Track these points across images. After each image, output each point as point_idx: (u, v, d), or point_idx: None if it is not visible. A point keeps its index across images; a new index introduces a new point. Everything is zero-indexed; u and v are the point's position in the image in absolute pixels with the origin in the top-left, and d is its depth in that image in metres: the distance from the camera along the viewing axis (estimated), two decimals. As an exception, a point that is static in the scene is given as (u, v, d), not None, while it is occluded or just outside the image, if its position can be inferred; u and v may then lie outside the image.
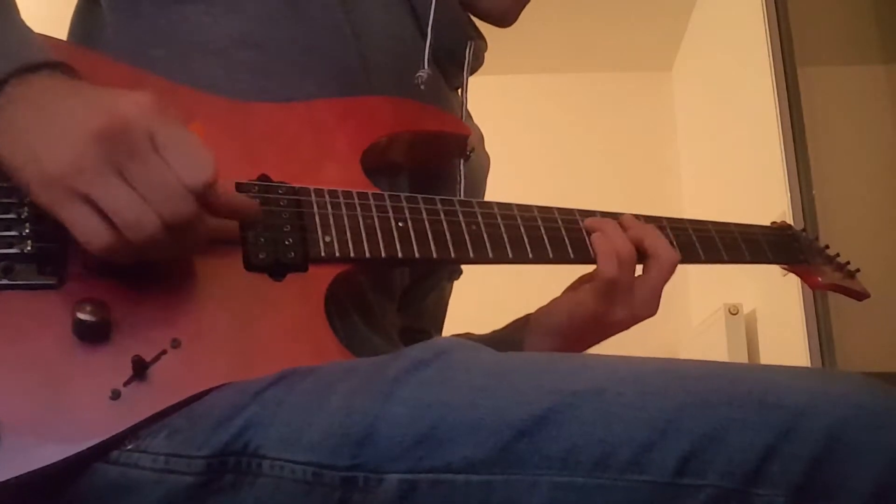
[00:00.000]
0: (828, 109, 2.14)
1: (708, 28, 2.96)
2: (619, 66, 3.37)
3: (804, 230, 0.92)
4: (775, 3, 2.16)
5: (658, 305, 0.73)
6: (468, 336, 0.86)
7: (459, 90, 0.83)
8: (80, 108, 0.48)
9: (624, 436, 0.41)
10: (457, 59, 0.80)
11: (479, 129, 0.88)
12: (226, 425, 0.46)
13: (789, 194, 2.02)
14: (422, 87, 0.73)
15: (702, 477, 0.40)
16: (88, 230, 0.47)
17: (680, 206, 3.22)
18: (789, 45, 2.11)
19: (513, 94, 3.35)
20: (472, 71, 0.82)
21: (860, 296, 0.91)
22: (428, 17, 0.75)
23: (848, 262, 0.91)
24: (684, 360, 0.46)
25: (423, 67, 0.74)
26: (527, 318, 0.79)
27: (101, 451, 0.47)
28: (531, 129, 3.33)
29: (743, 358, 2.31)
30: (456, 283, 0.90)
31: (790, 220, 1.96)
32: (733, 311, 2.34)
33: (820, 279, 0.88)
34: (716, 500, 0.39)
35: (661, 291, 0.73)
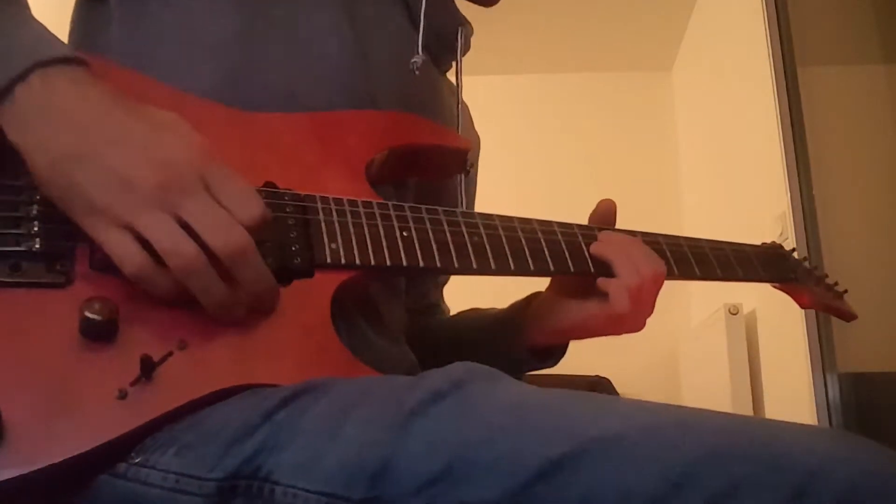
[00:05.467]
0: (828, 109, 2.14)
1: (708, 28, 2.96)
2: (619, 66, 3.38)
3: (794, 250, 0.96)
4: (775, 3, 2.16)
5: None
6: (475, 311, 0.90)
7: (449, 73, 0.86)
8: (129, 150, 0.49)
9: (639, 487, 0.40)
10: (447, 44, 0.83)
11: (468, 110, 0.91)
12: (238, 447, 0.46)
13: (789, 194, 2.02)
14: (416, 72, 0.75)
15: None
16: (123, 250, 0.48)
17: (679, 206, 3.22)
18: (789, 45, 2.12)
19: (513, 94, 3.36)
20: (462, 55, 0.85)
21: (849, 316, 0.94)
22: (419, 6, 0.77)
23: (836, 283, 0.94)
24: (700, 410, 0.46)
25: (417, 53, 0.76)
26: (528, 302, 0.82)
27: (108, 455, 0.46)
28: (531, 129, 3.33)
29: (743, 358, 2.32)
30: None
31: (790, 220, 1.98)
32: (733, 311, 2.34)
33: (808, 298, 0.91)
34: None
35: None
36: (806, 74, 2.10)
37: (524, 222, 0.71)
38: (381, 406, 0.47)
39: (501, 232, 0.68)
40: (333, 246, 0.59)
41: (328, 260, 0.58)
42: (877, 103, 2.16)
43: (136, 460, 0.46)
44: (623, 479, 0.41)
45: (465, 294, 0.99)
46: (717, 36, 2.83)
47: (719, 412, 0.46)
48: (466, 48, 0.86)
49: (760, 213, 2.20)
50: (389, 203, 0.64)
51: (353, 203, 0.62)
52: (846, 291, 0.95)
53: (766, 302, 2.28)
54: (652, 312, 0.75)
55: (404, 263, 0.61)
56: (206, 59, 0.66)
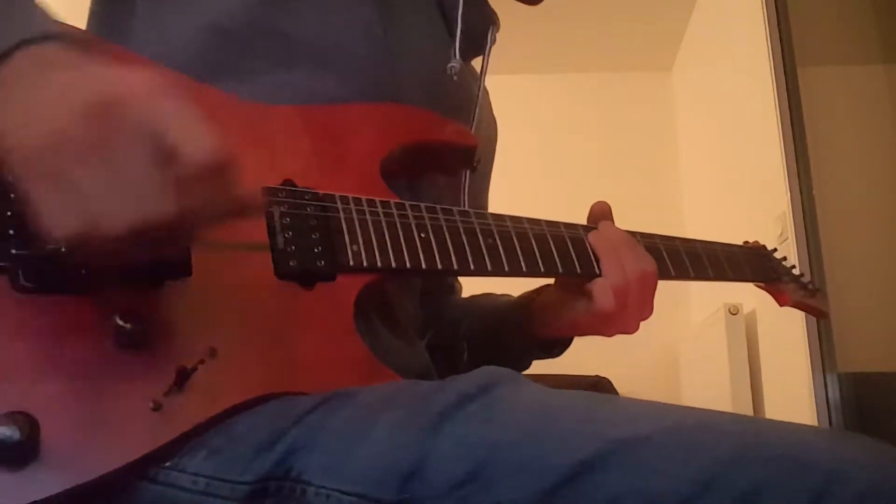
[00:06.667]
0: (828, 109, 2.15)
1: (708, 28, 2.96)
2: (619, 66, 3.37)
3: (775, 250, 1.00)
4: (775, 3, 2.16)
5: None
6: (487, 297, 0.91)
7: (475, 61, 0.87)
8: (72, 80, 0.43)
9: (664, 489, 0.41)
10: (477, 42, 0.83)
11: (489, 100, 0.91)
12: (268, 451, 0.46)
13: (789, 194, 2.02)
14: (454, 77, 0.75)
15: None
16: (53, 213, 0.41)
17: (680, 206, 3.22)
18: (789, 45, 2.12)
19: (513, 94, 3.35)
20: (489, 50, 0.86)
21: (820, 314, 1.01)
22: (456, 10, 0.77)
23: (811, 282, 1.00)
24: (721, 413, 0.47)
25: (455, 57, 0.75)
26: (537, 294, 0.82)
27: (143, 465, 0.46)
28: (531, 129, 3.33)
29: (743, 358, 2.31)
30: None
31: (790, 220, 1.98)
32: (733, 311, 2.34)
33: (787, 297, 0.97)
34: None
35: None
36: (806, 74, 2.10)
37: (534, 223, 0.71)
38: (410, 409, 0.47)
39: (513, 233, 0.69)
40: (355, 248, 0.59)
41: (350, 262, 0.58)
42: (877, 103, 2.16)
43: (166, 464, 0.46)
44: (650, 481, 0.41)
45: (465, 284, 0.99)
46: (717, 36, 2.83)
47: (738, 414, 0.47)
48: (493, 43, 0.86)
49: (760, 213, 2.20)
50: (406, 203, 0.64)
51: (371, 203, 0.62)
52: (818, 290, 1.00)
53: (765, 302, 2.27)
54: (649, 314, 0.75)
55: (423, 266, 0.62)
56: (223, 50, 0.65)
